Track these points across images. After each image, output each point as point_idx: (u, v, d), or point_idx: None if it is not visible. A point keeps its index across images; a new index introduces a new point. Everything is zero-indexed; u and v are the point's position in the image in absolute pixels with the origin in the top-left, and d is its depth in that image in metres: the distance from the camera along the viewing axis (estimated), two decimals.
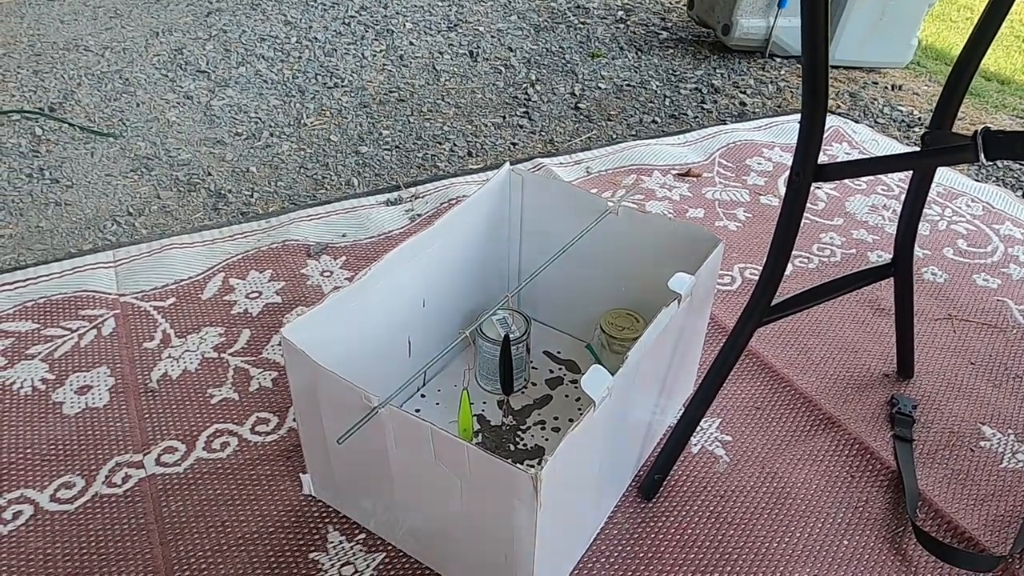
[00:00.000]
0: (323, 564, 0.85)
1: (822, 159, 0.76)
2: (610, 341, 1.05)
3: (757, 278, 0.85)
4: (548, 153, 1.76)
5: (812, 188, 1.59)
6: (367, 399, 0.72)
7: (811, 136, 0.75)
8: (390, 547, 0.87)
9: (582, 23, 2.55)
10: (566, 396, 1.08)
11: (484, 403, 1.06)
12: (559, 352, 1.15)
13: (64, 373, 1.08)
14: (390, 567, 0.85)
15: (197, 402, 1.05)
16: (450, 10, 2.60)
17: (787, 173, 1.19)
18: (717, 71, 2.24)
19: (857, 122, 1.95)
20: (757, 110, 2.02)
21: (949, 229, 1.52)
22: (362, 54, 2.23)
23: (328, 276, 1.30)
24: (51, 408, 1.03)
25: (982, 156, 0.66)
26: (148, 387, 1.07)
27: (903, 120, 2.00)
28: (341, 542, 0.88)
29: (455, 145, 1.79)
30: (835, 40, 2.19)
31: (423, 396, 1.06)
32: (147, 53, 2.16)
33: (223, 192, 1.56)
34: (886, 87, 2.18)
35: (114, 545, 0.86)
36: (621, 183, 1.61)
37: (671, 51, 2.37)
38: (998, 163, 1.79)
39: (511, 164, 1.11)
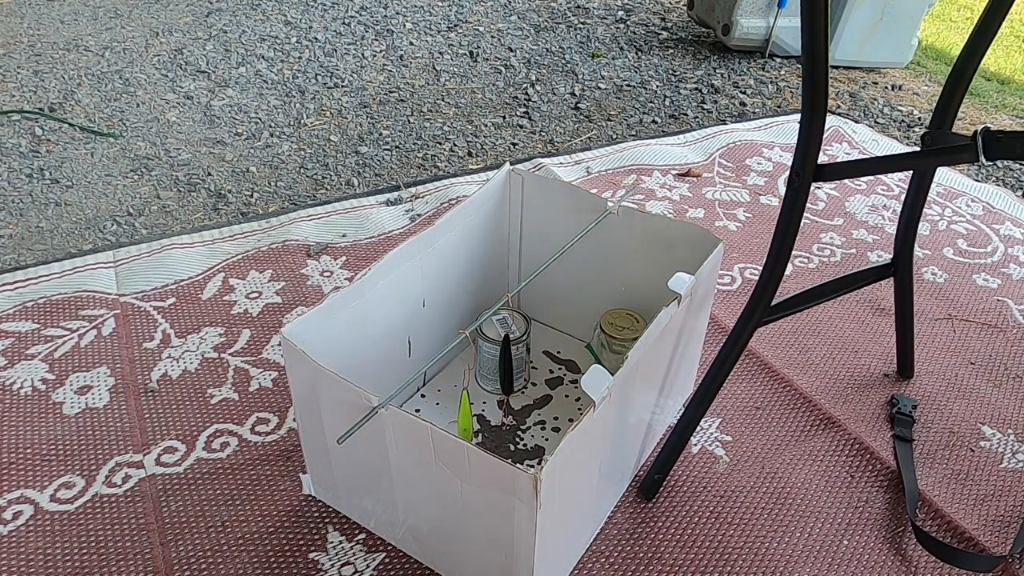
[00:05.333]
0: (323, 564, 0.85)
1: (822, 159, 0.76)
2: (610, 341, 1.05)
3: (757, 278, 0.85)
4: (548, 153, 1.76)
5: (812, 188, 1.59)
6: (367, 399, 0.72)
7: (811, 136, 0.75)
8: (390, 547, 0.87)
9: (582, 23, 2.55)
10: (566, 396, 1.08)
11: (484, 403, 1.06)
12: (559, 352, 1.15)
13: (64, 373, 1.08)
14: (390, 567, 0.85)
15: (197, 402, 1.05)
16: (450, 10, 2.60)
17: (787, 173, 1.19)
18: (717, 71, 2.24)
19: (857, 122, 1.95)
20: (757, 110, 2.02)
21: (949, 229, 1.52)
22: (362, 54, 2.23)
23: (328, 276, 1.30)
24: (51, 408, 1.03)
25: (982, 156, 0.66)
26: (148, 387, 1.07)
27: (903, 120, 2.00)
28: (341, 542, 0.88)
29: (455, 145, 1.79)
30: (835, 40, 2.19)
31: (423, 396, 1.06)
32: (147, 53, 2.16)
33: (223, 192, 1.56)
34: (886, 87, 2.18)
35: (114, 545, 0.86)
36: (621, 183, 1.61)
37: (671, 51, 2.37)
38: (998, 163, 1.79)
39: (511, 164, 1.11)
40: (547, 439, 1.01)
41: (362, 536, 0.88)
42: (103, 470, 0.95)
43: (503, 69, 2.19)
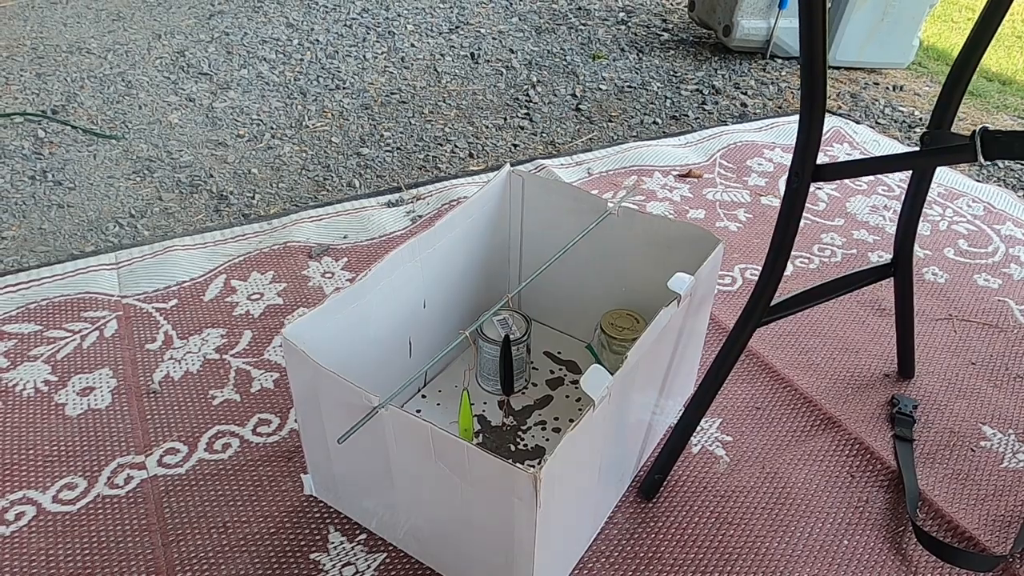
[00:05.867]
0: (324, 565, 0.85)
1: (823, 160, 0.77)
2: (610, 341, 1.05)
3: (757, 278, 0.85)
4: (549, 154, 1.76)
5: (813, 188, 1.59)
6: (368, 399, 0.72)
7: (810, 136, 0.75)
8: (391, 547, 0.87)
9: (583, 24, 2.55)
10: (566, 396, 1.08)
11: (484, 403, 1.06)
12: (559, 352, 1.16)
13: (66, 375, 1.09)
14: (391, 567, 0.85)
15: (199, 403, 1.05)
16: (451, 12, 2.60)
17: (787, 174, 1.20)
18: (718, 72, 2.24)
19: (858, 123, 1.95)
20: (758, 111, 2.02)
21: (950, 229, 1.52)
22: (364, 56, 2.24)
23: (329, 277, 1.30)
24: (53, 409, 1.04)
25: (980, 156, 0.66)
26: (150, 388, 1.07)
27: (904, 121, 2.00)
28: (342, 542, 0.88)
29: (456, 146, 1.79)
30: (836, 41, 2.19)
31: (424, 396, 1.06)
32: (149, 56, 2.17)
33: (225, 194, 1.57)
34: (887, 88, 2.18)
35: (116, 546, 0.87)
36: (622, 184, 1.61)
37: (672, 52, 2.37)
38: (999, 163, 1.79)
39: (512, 165, 1.11)
40: (547, 439, 1.01)
41: (363, 536, 0.89)
42: (105, 471, 0.95)
43: (504, 70, 2.19)
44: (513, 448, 0.99)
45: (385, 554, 0.87)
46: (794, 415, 1.08)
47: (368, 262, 1.33)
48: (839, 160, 1.72)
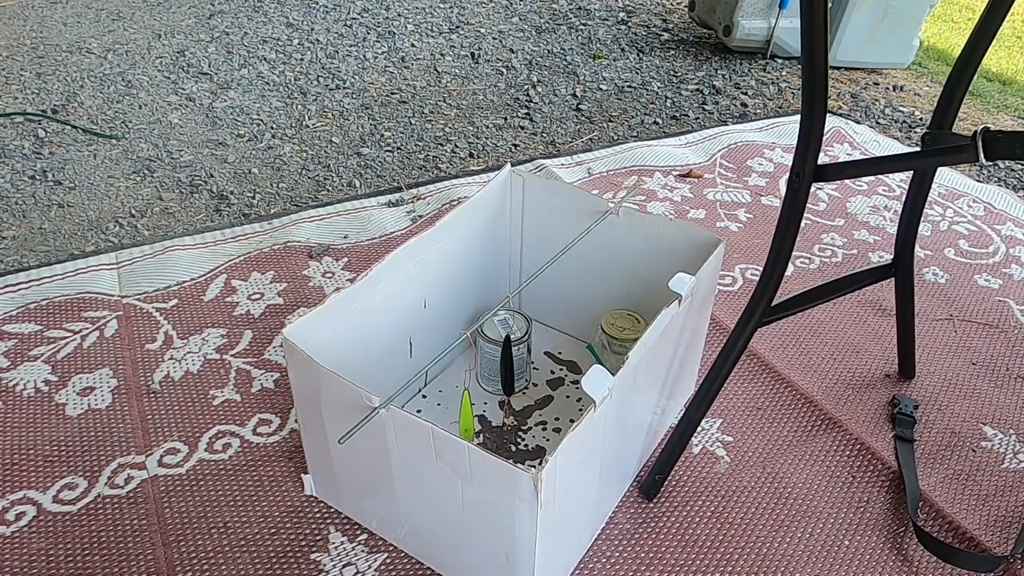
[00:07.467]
0: (325, 565, 0.85)
1: (823, 160, 0.77)
2: (611, 342, 1.05)
3: (758, 279, 0.85)
4: (549, 154, 1.76)
5: (814, 189, 1.59)
6: (368, 399, 0.72)
7: (810, 137, 0.75)
8: (391, 547, 0.87)
9: (583, 24, 2.55)
10: (567, 397, 1.08)
11: (485, 404, 1.06)
12: (560, 353, 1.15)
13: (67, 375, 1.09)
14: (391, 567, 0.85)
15: (199, 403, 1.05)
16: (451, 12, 2.60)
17: (788, 174, 1.20)
18: (718, 72, 2.24)
19: (858, 123, 1.95)
20: (758, 111, 2.02)
21: (951, 230, 1.52)
22: (364, 56, 2.24)
23: (330, 277, 1.30)
24: (54, 409, 1.03)
25: (982, 156, 0.66)
26: (150, 388, 1.07)
27: (904, 121, 2.00)
28: (343, 543, 0.88)
29: (456, 146, 1.79)
30: (836, 41, 2.19)
31: (424, 397, 1.06)
32: (149, 55, 2.17)
33: (225, 194, 1.57)
34: (888, 88, 2.18)
35: (116, 546, 0.87)
36: (622, 184, 1.61)
37: (672, 52, 2.37)
38: (1000, 164, 1.79)
39: (512, 165, 1.11)
40: (548, 439, 1.01)
41: (364, 536, 0.88)
42: (105, 471, 0.95)
43: (504, 70, 2.19)
44: (514, 448, 0.99)
45: (386, 554, 0.87)
46: (795, 415, 1.08)
47: (368, 262, 1.33)
48: (840, 160, 1.72)
